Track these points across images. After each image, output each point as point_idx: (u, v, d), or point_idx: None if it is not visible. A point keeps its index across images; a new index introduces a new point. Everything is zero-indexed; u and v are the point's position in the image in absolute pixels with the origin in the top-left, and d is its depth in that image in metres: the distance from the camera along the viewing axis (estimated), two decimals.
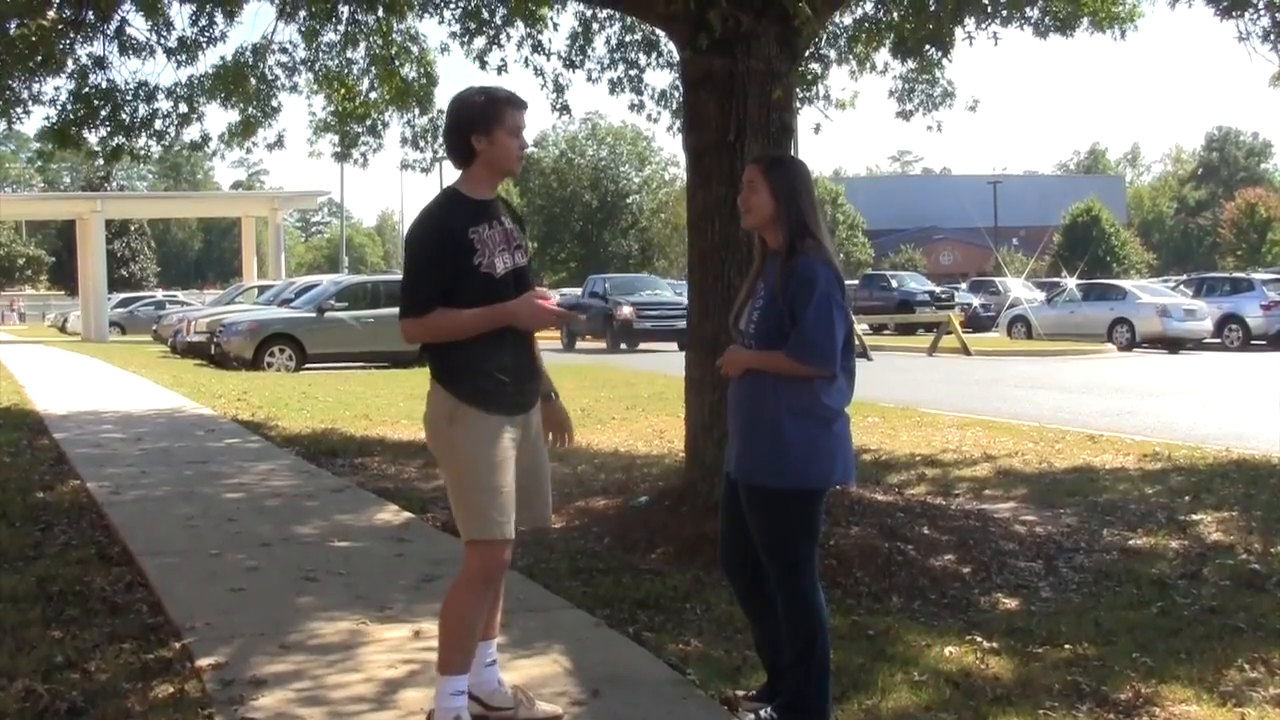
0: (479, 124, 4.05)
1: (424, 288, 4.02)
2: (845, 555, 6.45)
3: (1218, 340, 31.03)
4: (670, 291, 33.66)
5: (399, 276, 4.53)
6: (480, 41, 10.95)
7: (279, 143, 11.75)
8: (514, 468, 4.08)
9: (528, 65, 10.96)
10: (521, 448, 4.16)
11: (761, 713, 4.26)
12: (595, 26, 11.19)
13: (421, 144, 11.74)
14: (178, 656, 5.07)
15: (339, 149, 12.04)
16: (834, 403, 4.18)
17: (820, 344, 4.08)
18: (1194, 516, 8.00)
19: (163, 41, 10.31)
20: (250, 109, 11.05)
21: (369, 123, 11.78)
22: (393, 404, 15.70)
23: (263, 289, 35.22)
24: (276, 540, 7.37)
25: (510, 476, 4.06)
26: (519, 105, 4.12)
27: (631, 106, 11.53)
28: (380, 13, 10.79)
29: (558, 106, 11.41)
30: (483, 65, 10.90)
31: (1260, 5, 9.10)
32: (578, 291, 38.56)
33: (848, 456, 4.27)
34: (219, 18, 10.35)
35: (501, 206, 4.22)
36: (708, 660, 5.01)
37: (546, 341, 26.01)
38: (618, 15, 10.85)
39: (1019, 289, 42.11)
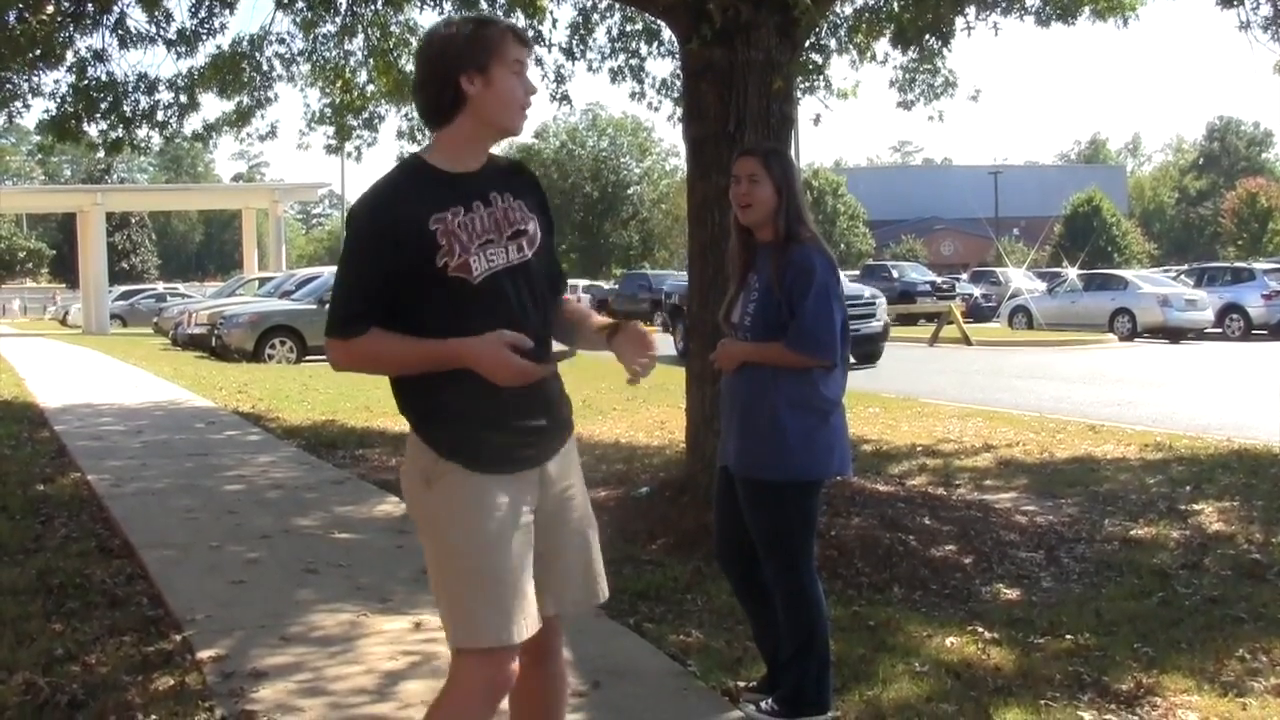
0: (468, 58, 2.93)
1: (354, 299, 2.93)
2: (846, 546, 6.45)
3: (1219, 330, 31.00)
4: None
5: None
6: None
7: (272, 133, 11.73)
8: (525, 543, 2.97)
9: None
10: (544, 511, 3.05)
11: (762, 704, 4.26)
12: (596, 17, 11.18)
13: (419, 137, 11.73)
14: (178, 649, 5.07)
15: (333, 142, 12.02)
16: (832, 394, 4.17)
17: (820, 334, 4.07)
18: (1195, 506, 8.00)
19: (162, 33, 10.30)
20: (244, 98, 11.04)
21: (365, 116, 11.77)
22: (393, 398, 15.67)
23: (263, 281, 35.25)
24: (277, 532, 7.37)
25: (514, 557, 2.93)
26: (524, 40, 3.05)
27: (633, 95, 11.51)
28: (379, 4, 10.78)
29: (558, 97, 11.40)
30: None
31: None
32: (579, 283, 38.00)
33: (844, 447, 4.26)
34: (218, 9, 10.34)
35: (500, 176, 3.08)
36: (708, 652, 5.01)
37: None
38: (618, 6, 10.83)
39: (1020, 279, 42.05)
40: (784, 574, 4.20)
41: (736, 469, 4.23)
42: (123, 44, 10.21)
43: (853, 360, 4.49)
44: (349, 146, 12.05)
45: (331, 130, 11.99)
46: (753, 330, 4.19)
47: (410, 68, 11.30)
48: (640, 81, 11.41)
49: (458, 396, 2.94)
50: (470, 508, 2.93)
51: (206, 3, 10.26)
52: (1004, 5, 9.48)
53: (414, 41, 11.45)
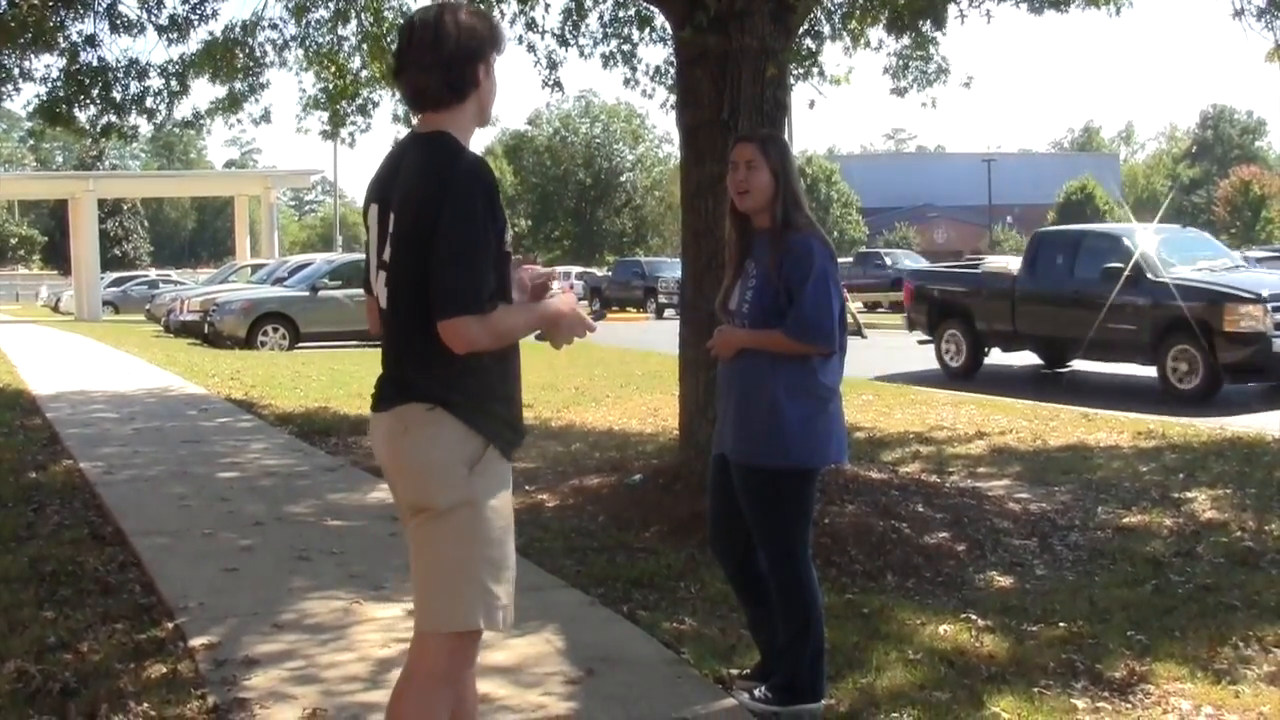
0: (488, 45, 3.12)
1: (487, 270, 2.96)
2: (840, 533, 6.45)
3: None
4: None
5: None
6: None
7: (265, 117, 11.69)
8: None
9: (521, 42, 10.91)
10: None
11: (756, 692, 4.26)
12: (588, 3, 11.13)
13: (414, 121, 11.68)
14: (170, 636, 5.06)
15: (327, 127, 11.98)
16: (831, 381, 4.16)
17: (819, 321, 4.05)
18: (1188, 494, 8.01)
19: (154, 19, 10.27)
20: (237, 85, 11.00)
21: (359, 101, 11.72)
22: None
23: (256, 268, 35.14)
24: (270, 519, 7.36)
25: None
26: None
27: (626, 82, 11.46)
28: None
29: (550, 83, 11.36)
30: None
31: None
32: (572, 270, 38.08)
33: (842, 435, 4.25)
34: None
35: None
36: (702, 639, 5.01)
37: None
38: None
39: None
40: (780, 562, 4.19)
41: (734, 455, 4.22)
42: (114, 29, 10.18)
43: None
44: (344, 132, 12.01)
45: (326, 116, 11.95)
46: (750, 318, 4.17)
47: None
48: (633, 68, 11.36)
49: (493, 379, 3.07)
50: (502, 495, 3.07)
51: None
52: None
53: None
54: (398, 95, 11.51)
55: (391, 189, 3.11)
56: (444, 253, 2.92)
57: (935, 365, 17.40)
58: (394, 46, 11.29)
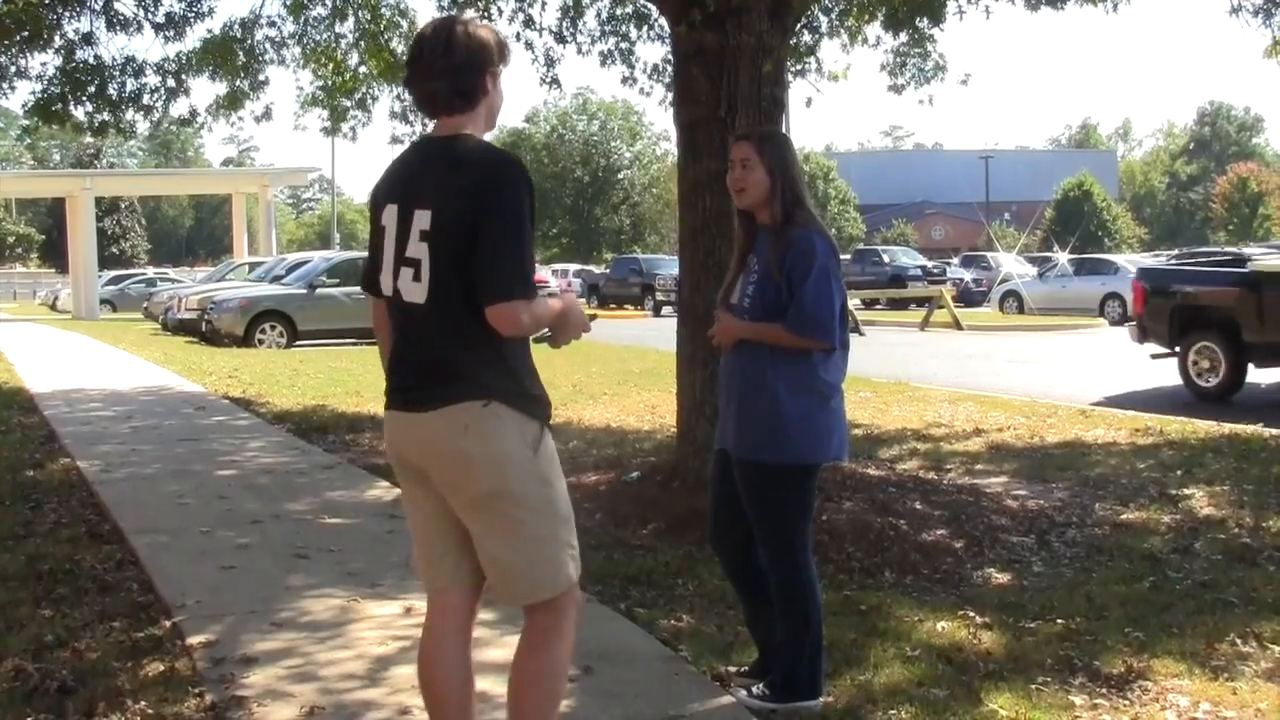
0: (497, 56, 3.32)
1: (532, 260, 3.21)
2: (837, 530, 6.45)
3: None
4: None
5: None
6: (470, 14, 10.88)
7: (267, 115, 11.69)
8: None
9: (519, 39, 10.92)
10: None
11: (754, 689, 4.26)
12: (585, 0, 11.13)
13: (411, 118, 11.69)
14: (168, 635, 5.06)
15: (327, 124, 11.98)
16: (833, 378, 4.16)
17: (820, 317, 4.05)
18: (1185, 491, 8.00)
19: (150, 17, 10.27)
20: (237, 82, 11.00)
21: (358, 97, 11.73)
22: (383, 380, 15.62)
23: (253, 266, 35.11)
24: (267, 517, 7.36)
25: None
26: None
27: (623, 80, 11.47)
28: None
29: (548, 80, 11.36)
30: None
31: None
32: (570, 267, 38.35)
33: (843, 432, 4.25)
34: None
35: None
36: (699, 636, 5.01)
37: None
38: None
39: (1011, 264, 42.11)
40: (781, 559, 4.19)
41: (736, 451, 4.22)
42: (110, 27, 10.18)
43: None
44: (344, 127, 12.02)
45: (325, 113, 11.96)
46: (751, 312, 4.18)
47: (401, 49, 11.26)
48: (630, 65, 11.37)
49: (529, 361, 3.29)
50: (556, 463, 3.32)
51: None
52: None
53: (404, 24, 11.41)
54: (401, 93, 11.54)
55: (415, 188, 3.22)
56: (496, 239, 3.09)
57: (930, 361, 17.33)
58: (391, 45, 11.24)
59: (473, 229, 3.09)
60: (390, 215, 3.25)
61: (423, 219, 3.16)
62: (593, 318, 3.48)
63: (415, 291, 3.19)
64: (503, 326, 3.10)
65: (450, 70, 3.22)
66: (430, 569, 3.47)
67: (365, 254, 3.46)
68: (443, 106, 3.26)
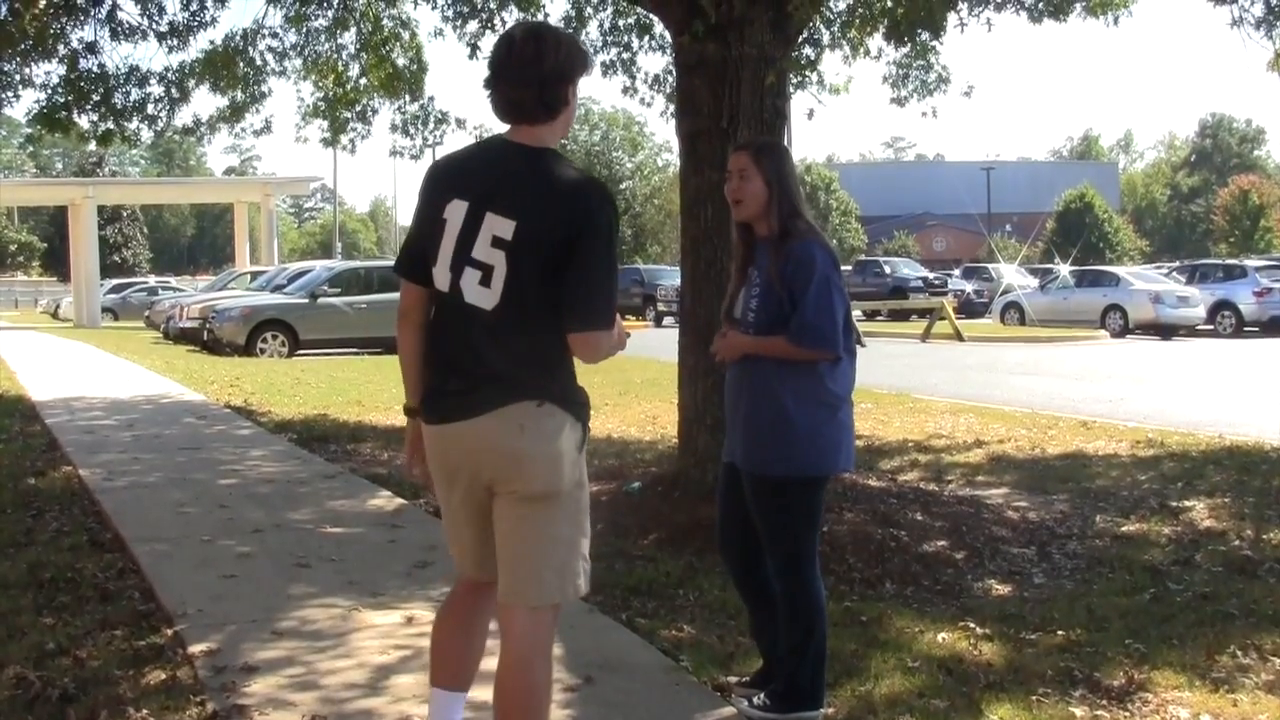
0: (579, 70, 3.28)
1: (618, 287, 3.31)
2: (838, 541, 6.45)
3: (1210, 327, 31.05)
4: None
5: (392, 263, 3.85)
6: (473, 26, 10.91)
7: (267, 128, 11.72)
8: None
9: None
10: None
11: (755, 699, 4.26)
12: (588, 11, 11.16)
13: (411, 130, 11.72)
14: (170, 643, 5.06)
15: (328, 135, 12.00)
16: (840, 388, 4.17)
17: (822, 327, 4.06)
18: (1186, 503, 8.01)
19: (154, 26, 10.29)
20: (239, 94, 11.02)
21: (358, 109, 11.75)
22: (385, 390, 15.66)
23: (255, 275, 35.19)
24: (269, 526, 7.36)
25: None
26: None
27: (625, 90, 11.49)
28: None
29: None
30: (474, 53, 10.84)
31: None
32: None
33: (850, 444, 4.26)
34: (209, 2, 10.33)
35: None
36: (700, 646, 5.01)
37: None
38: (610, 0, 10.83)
39: (1012, 275, 42.10)
40: (788, 570, 4.19)
41: (744, 464, 4.22)
42: (114, 36, 10.21)
43: None
44: (344, 139, 12.03)
45: (325, 124, 11.97)
46: (756, 326, 4.18)
47: (402, 61, 11.28)
48: (632, 76, 11.39)
49: (575, 372, 3.31)
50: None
51: None
52: (997, 1, 9.47)
53: (405, 35, 11.43)
54: (401, 105, 11.53)
55: (492, 190, 3.19)
56: (591, 266, 3.13)
57: (932, 373, 17.34)
58: (392, 55, 11.20)
59: (566, 251, 3.10)
60: (456, 210, 3.21)
61: (501, 226, 3.14)
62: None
63: (483, 296, 3.17)
64: (585, 353, 3.19)
65: (538, 80, 3.18)
66: (477, 568, 3.45)
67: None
68: (526, 115, 3.22)
